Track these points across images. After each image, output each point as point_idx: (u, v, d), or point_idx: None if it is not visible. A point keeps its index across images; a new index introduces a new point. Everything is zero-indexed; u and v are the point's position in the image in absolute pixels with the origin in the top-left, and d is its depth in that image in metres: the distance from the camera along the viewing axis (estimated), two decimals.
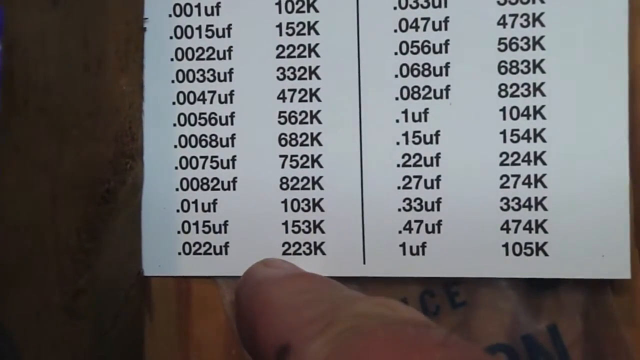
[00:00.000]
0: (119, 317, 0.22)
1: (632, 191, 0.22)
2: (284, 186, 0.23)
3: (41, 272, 0.18)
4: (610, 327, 0.22)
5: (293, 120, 0.23)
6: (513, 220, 0.22)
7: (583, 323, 0.23)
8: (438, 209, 0.23)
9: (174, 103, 0.24)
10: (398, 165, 0.23)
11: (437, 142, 0.22)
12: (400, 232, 0.23)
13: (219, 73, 0.23)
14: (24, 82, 0.17)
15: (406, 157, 0.23)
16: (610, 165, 0.22)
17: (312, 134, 0.23)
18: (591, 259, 0.22)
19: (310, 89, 0.23)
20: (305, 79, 0.23)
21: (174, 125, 0.24)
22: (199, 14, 0.23)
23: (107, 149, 0.21)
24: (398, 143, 0.23)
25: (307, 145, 0.23)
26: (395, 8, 0.23)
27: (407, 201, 0.23)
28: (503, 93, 0.22)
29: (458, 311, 0.23)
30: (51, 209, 0.18)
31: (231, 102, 0.23)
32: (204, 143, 0.24)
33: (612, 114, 0.22)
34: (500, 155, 0.22)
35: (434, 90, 0.22)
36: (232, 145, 0.23)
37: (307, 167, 0.23)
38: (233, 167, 0.23)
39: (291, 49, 0.23)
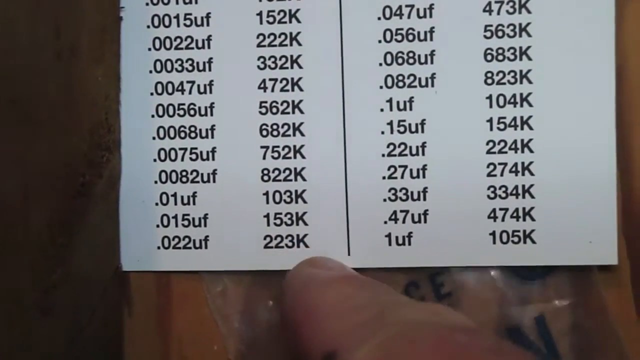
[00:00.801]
0: (95, 313, 0.21)
1: (619, 178, 0.22)
2: (266, 178, 0.23)
3: (11, 268, 0.18)
4: (599, 318, 0.22)
5: (274, 110, 0.23)
6: (500, 209, 0.22)
7: (571, 314, 0.23)
8: (424, 199, 0.22)
9: (151, 94, 0.23)
10: (383, 155, 0.22)
11: (422, 131, 0.22)
12: (385, 222, 0.22)
13: (197, 63, 0.23)
14: None
15: (391, 147, 0.22)
16: (597, 152, 0.22)
17: (294, 124, 0.23)
18: (578, 246, 0.22)
19: (292, 79, 0.23)
20: (287, 68, 0.23)
21: (152, 116, 0.23)
22: (177, 3, 0.23)
23: (82, 142, 0.21)
24: (383, 132, 0.22)
25: (289, 135, 0.23)
26: None
27: (393, 191, 0.22)
28: (489, 81, 0.22)
29: (443, 302, 0.23)
30: (22, 204, 0.18)
31: (210, 92, 0.23)
32: (183, 134, 0.23)
33: (600, 100, 0.22)
34: (487, 144, 0.22)
35: (419, 79, 0.22)
36: (212, 137, 0.23)
37: (289, 158, 0.23)
38: (213, 159, 0.23)
39: (272, 37, 0.23)
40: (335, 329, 0.17)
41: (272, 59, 0.23)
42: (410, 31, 0.22)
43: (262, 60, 0.23)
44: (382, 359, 0.15)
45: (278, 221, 0.23)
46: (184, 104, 0.23)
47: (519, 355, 0.15)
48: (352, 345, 0.16)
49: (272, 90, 0.23)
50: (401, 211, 0.22)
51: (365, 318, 0.17)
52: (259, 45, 0.23)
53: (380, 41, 0.22)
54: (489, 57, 0.22)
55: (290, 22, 0.23)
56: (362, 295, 0.19)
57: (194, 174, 0.23)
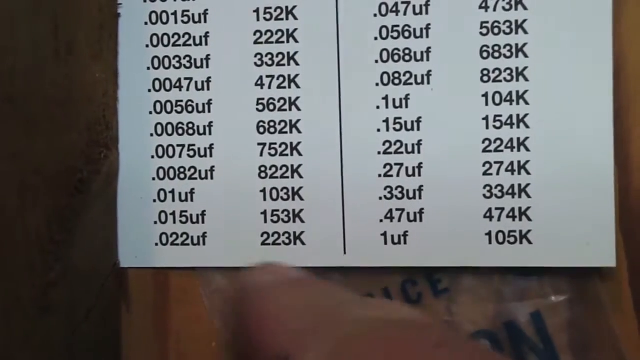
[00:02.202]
0: (93, 310, 0.21)
1: (617, 178, 0.22)
2: (263, 175, 0.23)
3: (9, 265, 0.18)
4: (596, 314, 0.22)
5: (271, 107, 0.23)
6: (496, 208, 0.22)
7: (568, 310, 0.23)
8: (420, 197, 0.22)
9: (149, 90, 0.23)
10: (379, 153, 0.22)
11: (418, 129, 0.22)
12: (381, 220, 0.22)
13: (195, 59, 0.23)
14: None
15: (387, 144, 0.22)
16: (594, 151, 0.21)
17: (291, 121, 0.23)
18: (576, 247, 0.22)
19: (289, 76, 0.23)
20: (284, 65, 0.23)
21: (150, 113, 0.23)
22: (175, 0, 0.23)
23: (80, 139, 0.21)
24: (379, 130, 0.22)
25: (286, 132, 0.23)
26: None
27: (389, 189, 0.22)
28: (485, 78, 0.22)
29: (440, 298, 0.23)
30: (20, 201, 0.18)
31: (208, 89, 0.23)
32: (180, 131, 0.23)
33: (597, 99, 0.21)
34: (483, 142, 0.22)
35: (415, 76, 0.22)
36: (210, 133, 0.23)
37: (286, 155, 0.23)
38: (211, 156, 0.23)
39: (269, 34, 0.23)
40: (287, 333, 0.17)
41: (269, 56, 0.23)
42: (407, 28, 0.22)
43: (259, 57, 0.23)
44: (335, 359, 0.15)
45: (275, 218, 0.23)
46: (181, 101, 0.23)
47: (470, 347, 0.15)
48: (304, 348, 0.16)
49: (269, 87, 0.23)
50: (397, 209, 0.22)
51: (317, 320, 0.16)
52: (256, 42, 0.23)
53: (376, 38, 0.22)
54: (485, 55, 0.22)
55: (287, 19, 0.23)
56: (312, 296, 0.19)
57: (192, 170, 0.23)
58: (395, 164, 0.22)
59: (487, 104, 0.22)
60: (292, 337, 0.16)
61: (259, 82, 0.23)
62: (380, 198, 0.22)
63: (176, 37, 0.23)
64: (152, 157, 0.23)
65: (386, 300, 0.18)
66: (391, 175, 0.22)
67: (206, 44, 0.23)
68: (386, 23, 0.22)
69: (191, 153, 0.23)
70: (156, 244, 0.23)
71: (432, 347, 0.14)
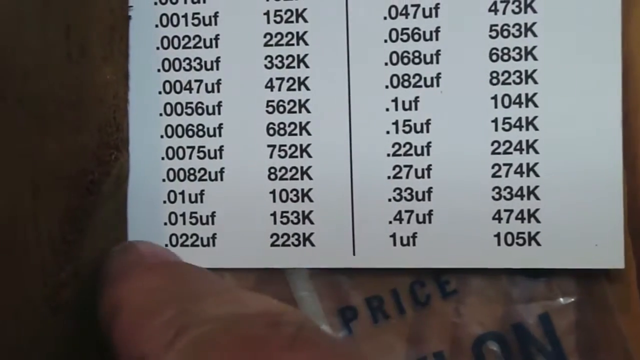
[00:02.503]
0: None
1: (625, 179, 0.22)
2: (272, 176, 0.23)
3: (21, 265, 0.18)
4: (604, 316, 0.22)
5: (281, 109, 0.23)
6: (505, 210, 0.22)
7: (576, 312, 0.23)
8: (429, 199, 0.22)
9: (160, 92, 0.23)
10: (388, 155, 0.22)
11: (427, 131, 0.22)
12: (390, 222, 0.22)
13: (205, 62, 0.23)
14: (1, 72, 0.17)
15: (396, 146, 0.22)
16: (603, 153, 0.21)
17: (300, 123, 0.23)
18: (584, 249, 0.22)
19: (299, 78, 0.23)
20: (294, 67, 0.23)
21: (160, 115, 0.23)
22: (185, 2, 0.23)
23: (91, 140, 0.21)
24: (388, 132, 0.22)
25: (295, 134, 0.23)
26: None
27: (398, 191, 0.22)
28: (495, 81, 0.22)
29: (449, 300, 0.23)
30: (32, 202, 0.18)
31: (218, 91, 0.23)
32: (190, 133, 0.23)
33: (605, 101, 0.21)
34: (492, 144, 0.22)
35: (425, 78, 0.22)
36: (220, 135, 0.23)
37: (296, 157, 0.23)
38: (220, 157, 0.23)
39: (279, 36, 0.23)
40: (141, 331, 0.16)
41: (279, 58, 0.23)
42: (416, 31, 0.22)
43: (269, 59, 0.23)
44: None
45: (284, 219, 0.23)
46: (191, 103, 0.23)
47: (321, 347, 0.15)
48: (158, 350, 0.15)
49: (279, 89, 0.23)
50: (406, 211, 0.22)
51: (168, 317, 0.16)
52: (266, 45, 0.23)
53: (386, 41, 0.22)
54: (494, 57, 0.22)
55: (297, 21, 0.23)
56: (168, 287, 0.18)
57: (202, 172, 0.23)
58: (405, 166, 0.22)
59: (496, 107, 0.22)
60: (147, 337, 0.16)
61: (269, 84, 0.23)
62: (390, 200, 0.22)
63: (186, 39, 0.23)
64: (162, 158, 0.23)
65: (239, 290, 0.18)
66: (400, 177, 0.22)
67: (216, 47, 0.23)
68: (396, 26, 0.22)
69: (201, 155, 0.23)
70: (166, 245, 0.23)
71: (279, 349, 0.14)
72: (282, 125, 0.23)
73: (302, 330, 0.15)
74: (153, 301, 0.17)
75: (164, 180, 0.23)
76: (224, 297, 0.17)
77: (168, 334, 0.16)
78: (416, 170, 0.22)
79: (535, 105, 0.22)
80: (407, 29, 0.22)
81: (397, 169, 0.22)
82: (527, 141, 0.22)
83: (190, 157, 0.23)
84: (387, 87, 0.22)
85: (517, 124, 0.22)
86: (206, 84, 0.23)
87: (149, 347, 0.16)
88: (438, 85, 0.22)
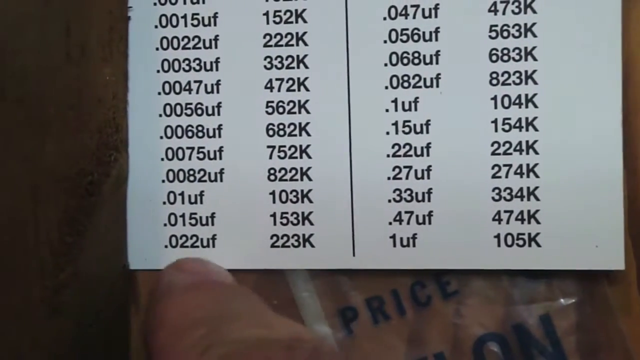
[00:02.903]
0: (103, 311, 0.21)
1: (625, 180, 0.22)
2: (272, 177, 0.23)
3: (21, 266, 0.18)
4: (605, 317, 0.22)
5: (281, 110, 0.23)
6: (505, 211, 0.22)
7: (577, 313, 0.23)
8: (429, 200, 0.22)
9: (159, 93, 0.23)
10: (388, 156, 0.22)
11: (427, 132, 0.22)
12: (390, 223, 0.22)
13: (205, 62, 0.23)
14: (1, 73, 0.17)
15: (396, 147, 0.22)
16: (603, 154, 0.21)
17: (300, 124, 0.23)
18: (584, 250, 0.22)
19: (298, 79, 0.23)
20: (293, 68, 0.23)
21: (160, 115, 0.23)
22: (184, 3, 0.23)
23: (90, 141, 0.21)
24: (388, 133, 0.22)
25: (295, 135, 0.23)
26: None
27: (397, 192, 0.22)
28: (494, 81, 0.22)
29: (449, 301, 0.23)
30: (31, 203, 0.18)
31: (218, 92, 0.23)
32: (190, 134, 0.23)
33: (606, 101, 0.21)
34: (492, 145, 0.22)
35: (424, 79, 0.22)
36: (219, 136, 0.23)
37: (296, 157, 0.23)
38: (220, 158, 0.23)
39: (278, 37, 0.23)
40: (174, 348, 0.17)
41: (279, 59, 0.23)
42: (416, 31, 0.22)
43: (268, 60, 0.23)
44: None
45: (284, 220, 0.23)
46: (191, 104, 0.23)
47: None
48: None
49: (279, 90, 0.23)
50: (406, 212, 0.22)
51: (200, 335, 0.17)
52: (265, 45, 0.23)
53: (385, 41, 0.22)
54: (494, 58, 0.22)
55: (297, 22, 0.23)
56: (204, 306, 0.19)
57: (202, 173, 0.23)
58: (404, 167, 0.22)
59: (496, 107, 0.22)
60: (176, 354, 0.17)
61: (269, 85, 0.23)
62: (389, 200, 0.22)
63: (186, 40, 0.23)
64: (162, 159, 0.23)
65: (270, 314, 0.19)
66: (400, 178, 0.22)
67: (216, 47, 0.23)
68: (395, 26, 0.22)
69: (201, 155, 0.23)
70: (165, 246, 0.23)
71: None
72: (281, 126, 0.23)
73: (314, 353, 0.15)
74: (188, 320, 0.18)
75: (163, 181, 0.23)
76: (254, 320, 0.18)
77: (195, 353, 0.16)
78: (416, 171, 0.22)
79: (535, 106, 0.22)
80: (407, 29, 0.22)
81: (397, 170, 0.22)
82: (527, 142, 0.22)
83: (189, 158, 0.23)
84: (386, 87, 0.22)
85: (517, 124, 0.22)
86: (206, 85, 0.23)
87: None
88: (438, 86, 0.22)
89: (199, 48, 0.23)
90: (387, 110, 0.22)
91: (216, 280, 0.21)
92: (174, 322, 0.18)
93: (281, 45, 0.23)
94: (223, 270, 0.22)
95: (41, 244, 0.18)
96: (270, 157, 0.23)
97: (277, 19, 0.23)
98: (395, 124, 0.22)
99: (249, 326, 0.17)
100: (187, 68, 0.23)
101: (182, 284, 0.20)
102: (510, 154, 0.22)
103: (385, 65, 0.22)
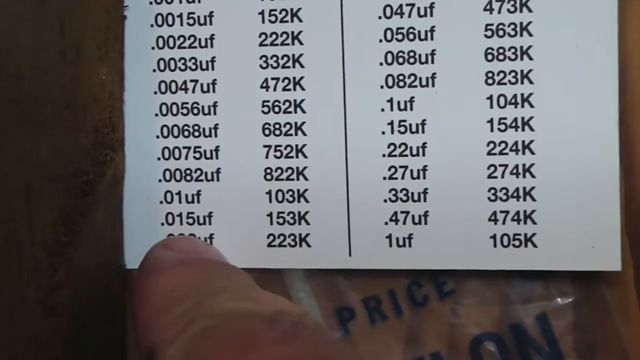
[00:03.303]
0: (99, 311, 0.21)
1: (622, 181, 0.22)
2: (268, 177, 0.23)
3: (16, 266, 0.18)
4: (602, 317, 0.22)
5: (277, 109, 0.23)
6: (501, 211, 0.22)
7: (574, 312, 0.22)
8: (424, 200, 0.22)
9: (155, 92, 0.23)
10: (383, 155, 0.22)
11: (423, 132, 0.22)
12: (386, 223, 0.22)
13: (201, 62, 0.23)
14: None
15: (392, 147, 0.22)
16: (600, 154, 0.21)
17: (296, 123, 0.23)
18: (581, 250, 0.22)
19: (294, 78, 0.23)
20: (289, 67, 0.23)
21: (156, 115, 0.23)
22: (180, 2, 0.23)
23: (86, 140, 0.21)
24: (383, 132, 0.22)
25: (291, 135, 0.23)
26: None
27: (393, 192, 0.22)
28: (490, 81, 0.22)
29: (446, 301, 0.23)
30: (26, 202, 0.18)
31: (214, 91, 0.23)
32: (186, 133, 0.23)
33: (602, 101, 0.21)
34: (488, 145, 0.22)
35: (420, 79, 0.22)
36: (215, 136, 0.23)
37: (292, 157, 0.23)
38: (216, 158, 0.23)
39: (274, 36, 0.23)
40: (157, 324, 0.17)
41: (274, 58, 0.23)
42: (411, 30, 0.22)
43: (264, 59, 0.23)
44: (185, 356, 0.15)
45: (281, 220, 0.23)
46: (187, 103, 0.23)
47: (311, 342, 0.15)
48: (167, 341, 0.16)
49: (275, 89, 0.23)
50: (402, 212, 0.22)
51: (183, 310, 0.17)
52: (261, 45, 0.23)
53: (381, 40, 0.22)
54: (489, 57, 0.22)
55: (292, 21, 0.23)
56: (192, 282, 0.18)
57: (198, 172, 0.23)
58: (400, 167, 0.22)
59: (491, 107, 0.22)
60: (159, 329, 0.17)
61: (264, 84, 0.23)
62: (385, 200, 0.22)
63: (182, 39, 0.23)
64: (158, 159, 0.23)
65: (258, 290, 0.19)
66: (396, 178, 0.22)
67: (211, 46, 0.23)
68: (391, 25, 0.22)
69: (197, 155, 0.23)
70: None
71: (270, 343, 0.15)
72: (277, 126, 0.23)
73: (296, 326, 0.15)
74: (174, 295, 0.18)
75: (160, 180, 0.23)
76: (239, 293, 0.18)
77: (178, 327, 0.16)
78: (412, 170, 0.22)
79: (531, 106, 0.22)
80: (402, 28, 0.22)
81: (393, 170, 0.22)
82: (523, 142, 0.22)
83: (186, 158, 0.23)
84: (382, 87, 0.22)
85: (513, 124, 0.22)
86: (201, 84, 0.23)
87: (160, 337, 0.16)
88: (433, 85, 0.22)
89: (195, 47, 0.23)
90: (382, 110, 0.22)
91: (204, 258, 0.21)
92: (160, 297, 0.18)
93: (277, 45, 0.23)
94: (213, 249, 0.22)
95: (36, 243, 0.18)
96: (267, 157, 0.23)
97: (273, 18, 0.23)
98: (391, 123, 0.22)
99: (233, 299, 0.17)
100: (183, 67, 0.23)
101: (169, 261, 0.20)
102: (506, 153, 0.22)
103: (381, 64, 0.22)
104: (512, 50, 0.22)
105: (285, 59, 0.23)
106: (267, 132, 0.23)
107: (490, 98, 0.22)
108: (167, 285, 0.18)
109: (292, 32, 0.23)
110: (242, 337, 0.15)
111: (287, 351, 0.15)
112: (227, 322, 0.16)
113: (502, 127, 0.22)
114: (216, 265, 0.20)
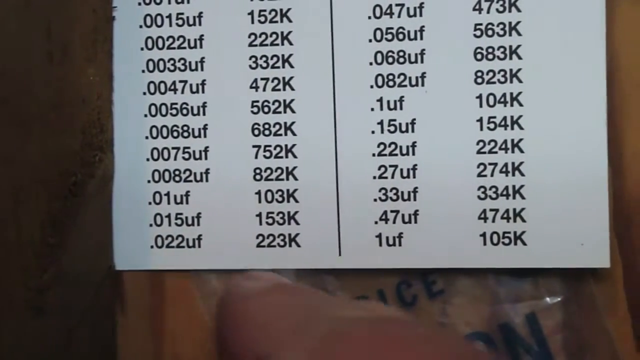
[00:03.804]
0: (88, 313, 0.21)
1: (610, 179, 0.22)
2: (258, 177, 0.23)
3: (3, 267, 0.18)
4: (591, 316, 0.22)
5: (266, 109, 0.23)
6: (491, 210, 0.22)
7: (563, 312, 0.23)
8: (414, 199, 0.22)
9: (144, 93, 0.23)
10: (373, 155, 0.22)
11: (412, 131, 0.22)
12: (376, 222, 0.22)
13: (190, 62, 0.23)
14: None
15: (382, 146, 0.22)
16: (588, 152, 0.21)
17: (285, 123, 0.23)
18: (570, 248, 0.22)
19: (284, 78, 0.23)
20: (278, 67, 0.23)
21: (145, 115, 0.23)
22: (169, 2, 0.23)
23: (74, 141, 0.21)
24: (373, 132, 0.22)
25: (280, 135, 0.23)
26: None
27: (383, 191, 0.22)
28: (479, 80, 0.22)
29: (435, 300, 0.23)
30: (13, 204, 0.18)
31: (203, 91, 0.23)
32: (175, 134, 0.23)
33: (590, 100, 0.21)
34: (477, 143, 0.22)
35: (410, 78, 0.22)
36: (205, 136, 0.23)
37: (281, 157, 0.23)
38: (205, 158, 0.23)
39: (263, 36, 0.23)
40: (267, 334, 0.17)
41: (264, 59, 0.23)
42: (401, 30, 0.22)
43: (253, 59, 0.23)
44: (314, 358, 0.15)
45: (270, 220, 0.23)
46: (176, 104, 0.23)
47: (455, 342, 0.15)
48: (284, 347, 0.16)
49: (264, 89, 0.23)
50: (392, 211, 0.22)
51: (296, 320, 0.16)
52: (250, 45, 0.23)
53: (370, 40, 0.22)
54: (479, 56, 0.22)
55: (282, 21, 0.23)
56: (293, 300, 0.19)
57: (187, 173, 0.23)
58: (390, 166, 0.22)
59: (481, 106, 0.22)
60: (272, 337, 0.16)
61: (254, 85, 0.23)
62: (375, 200, 0.22)
63: (171, 39, 0.23)
64: (147, 159, 0.23)
65: (368, 301, 0.18)
66: (386, 177, 0.22)
67: (201, 47, 0.23)
68: (380, 25, 0.22)
69: (186, 155, 0.23)
70: (151, 247, 0.23)
71: (417, 342, 0.14)
72: (267, 126, 0.23)
73: (437, 330, 0.15)
74: (282, 310, 0.18)
75: (149, 181, 0.23)
76: (352, 303, 0.18)
77: (295, 334, 0.16)
78: (401, 170, 0.22)
79: (520, 105, 0.22)
80: (392, 28, 0.22)
81: (383, 169, 0.22)
82: (512, 140, 0.22)
83: (175, 158, 0.23)
84: (372, 86, 0.22)
85: (502, 123, 0.22)
86: (191, 85, 0.23)
87: (275, 346, 0.16)
88: (423, 85, 0.22)
89: (184, 48, 0.23)
90: (372, 109, 0.22)
91: (291, 284, 0.21)
92: (260, 316, 0.17)
93: (266, 45, 0.23)
94: (290, 280, 0.22)
95: (23, 245, 0.18)
96: (256, 157, 0.23)
97: (262, 19, 0.23)
98: (381, 123, 0.22)
99: (347, 308, 0.17)
100: (172, 68, 0.23)
101: (259, 288, 0.20)
102: (496, 152, 0.22)
103: (371, 64, 0.22)
104: (501, 49, 0.22)
105: (275, 59, 0.23)
106: (256, 132, 0.23)
107: (479, 97, 0.22)
108: (268, 304, 0.18)
109: (282, 33, 0.23)
110: (384, 336, 0.15)
111: (438, 350, 0.14)
112: (361, 325, 0.15)
113: (492, 125, 0.22)
114: (307, 289, 0.20)
